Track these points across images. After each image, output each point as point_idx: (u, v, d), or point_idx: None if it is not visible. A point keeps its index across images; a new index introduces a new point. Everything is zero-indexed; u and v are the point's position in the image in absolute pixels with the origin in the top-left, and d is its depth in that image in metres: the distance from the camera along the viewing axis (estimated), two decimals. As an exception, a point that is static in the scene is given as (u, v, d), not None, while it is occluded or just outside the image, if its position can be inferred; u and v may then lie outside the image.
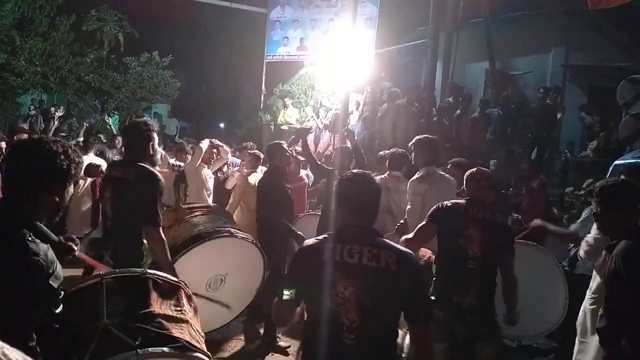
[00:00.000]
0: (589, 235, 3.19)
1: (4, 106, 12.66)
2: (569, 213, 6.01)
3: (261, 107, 12.60)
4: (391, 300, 1.92)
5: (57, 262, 1.71)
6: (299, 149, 6.50)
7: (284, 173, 4.67)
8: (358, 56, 9.19)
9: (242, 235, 3.86)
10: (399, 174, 4.44)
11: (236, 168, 6.70)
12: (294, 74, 12.64)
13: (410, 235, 3.13)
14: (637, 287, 2.23)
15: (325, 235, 2.01)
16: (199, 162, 5.43)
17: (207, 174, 5.59)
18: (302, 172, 6.44)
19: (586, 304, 3.24)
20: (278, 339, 4.39)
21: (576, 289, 3.82)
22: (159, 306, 2.19)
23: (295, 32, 12.61)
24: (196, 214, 3.96)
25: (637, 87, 4.22)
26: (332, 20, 12.06)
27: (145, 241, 3.04)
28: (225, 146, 5.99)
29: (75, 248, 2.17)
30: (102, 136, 8.86)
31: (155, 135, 3.22)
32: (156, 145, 3.24)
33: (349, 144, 5.84)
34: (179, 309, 2.26)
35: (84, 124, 10.80)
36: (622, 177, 2.76)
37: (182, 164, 6.15)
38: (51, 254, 1.68)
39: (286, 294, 1.95)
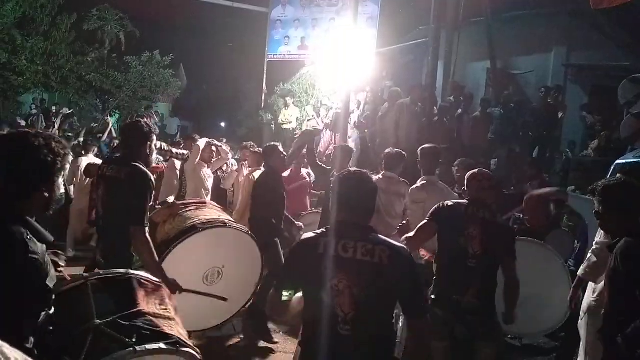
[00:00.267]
0: (590, 255, 3.17)
1: (5, 105, 12.68)
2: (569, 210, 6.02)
3: (262, 106, 12.61)
4: (384, 294, 1.95)
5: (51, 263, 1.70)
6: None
7: (279, 174, 4.74)
8: (359, 55, 9.19)
9: (236, 226, 3.86)
10: (393, 174, 4.41)
11: (235, 168, 6.70)
12: (295, 73, 12.65)
13: (411, 234, 3.15)
14: (637, 285, 2.23)
15: (323, 230, 2.06)
16: (198, 160, 5.43)
17: (207, 173, 5.58)
18: (304, 171, 6.43)
19: (587, 305, 3.20)
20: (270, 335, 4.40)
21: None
22: (146, 305, 2.22)
23: (297, 31, 12.62)
24: (190, 208, 3.96)
25: (638, 87, 4.20)
26: (333, 20, 12.06)
27: None
28: (224, 146, 5.99)
29: (62, 263, 2.17)
30: (101, 136, 8.88)
31: (154, 136, 3.21)
32: (154, 146, 3.23)
33: (350, 143, 5.84)
34: (164, 307, 2.30)
35: (92, 125, 10.84)
36: (618, 176, 2.77)
37: (187, 152, 6.10)
38: (47, 255, 1.68)
39: (285, 294, 1.97)
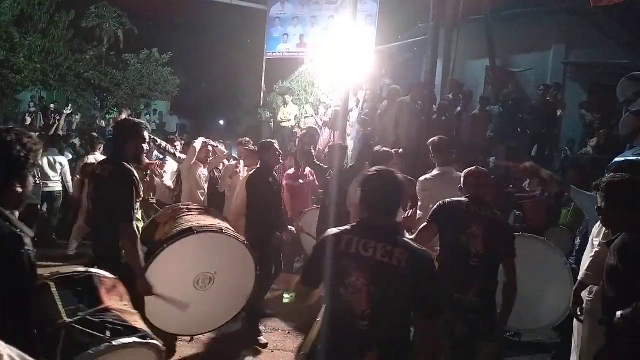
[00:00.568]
0: (590, 258, 3.14)
1: (3, 103, 12.65)
2: (569, 208, 6.04)
3: (261, 104, 12.60)
4: (400, 296, 1.98)
5: None
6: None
7: (272, 170, 4.77)
8: (358, 53, 9.16)
9: (233, 235, 3.78)
10: None
11: (231, 165, 6.68)
12: (294, 71, 12.62)
13: (413, 236, 3.13)
14: (634, 281, 2.23)
15: (348, 227, 2.12)
16: (194, 161, 5.41)
17: (203, 173, 5.54)
18: (308, 170, 6.47)
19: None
20: (261, 336, 4.38)
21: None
22: (109, 301, 2.28)
23: (295, 29, 12.59)
24: (193, 212, 3.96)
25: (637, 84, 4.20)
26: (332, 17, 12.04)
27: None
28: (220, 146, 5.98)
29: None
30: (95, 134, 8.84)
31: (145, 135, 3.21)
32: (145, 145, 3.24)
33: (348, 141, 5.84)
34: (125, 303, 2.36)
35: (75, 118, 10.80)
36: (612, 172, 2.75)
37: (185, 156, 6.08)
38: None
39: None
